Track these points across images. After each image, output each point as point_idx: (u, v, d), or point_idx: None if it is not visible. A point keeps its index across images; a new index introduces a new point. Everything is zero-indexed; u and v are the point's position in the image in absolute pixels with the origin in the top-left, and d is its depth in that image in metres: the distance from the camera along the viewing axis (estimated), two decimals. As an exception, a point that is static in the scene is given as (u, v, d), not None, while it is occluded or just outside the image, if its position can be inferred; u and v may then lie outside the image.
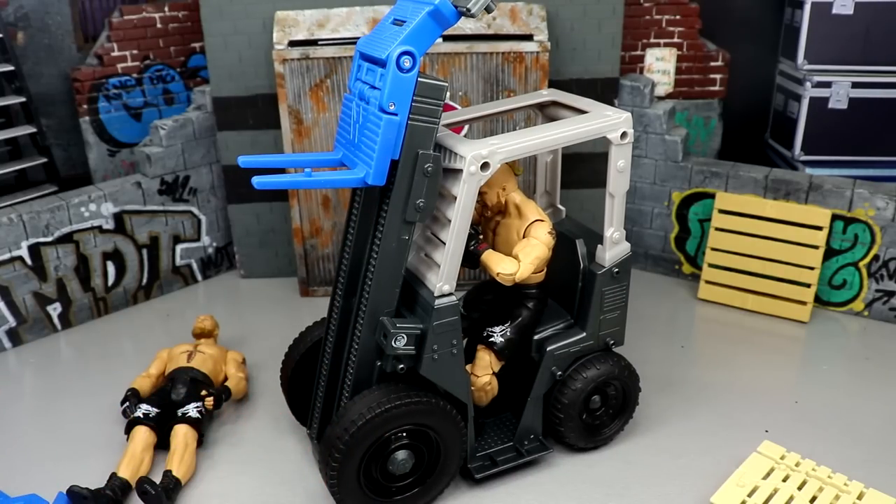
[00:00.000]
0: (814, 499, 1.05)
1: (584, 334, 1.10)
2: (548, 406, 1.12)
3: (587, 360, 1.11)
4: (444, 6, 0.90)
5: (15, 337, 1.48)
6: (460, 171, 0.95)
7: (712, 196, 1.59)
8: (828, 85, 1.77)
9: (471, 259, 1.03)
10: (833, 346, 1.47)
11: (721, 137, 1.87)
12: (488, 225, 1.09)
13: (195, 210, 1.70)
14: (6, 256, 1.43)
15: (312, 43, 1.50)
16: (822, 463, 1.10)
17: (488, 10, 0.92)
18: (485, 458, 1.10)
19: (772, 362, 1.40)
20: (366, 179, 0.93)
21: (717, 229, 1.58)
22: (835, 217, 1.50)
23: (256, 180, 0.92)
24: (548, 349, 1.09)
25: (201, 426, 1.19)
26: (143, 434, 1.14)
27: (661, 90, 1.83)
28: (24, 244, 1.45)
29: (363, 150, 0.95)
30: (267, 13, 1.52)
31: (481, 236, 1.05)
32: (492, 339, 1.07)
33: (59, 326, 1.53)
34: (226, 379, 1.30)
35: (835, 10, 1.73)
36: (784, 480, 1.07)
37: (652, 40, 1.80)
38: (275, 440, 1.21)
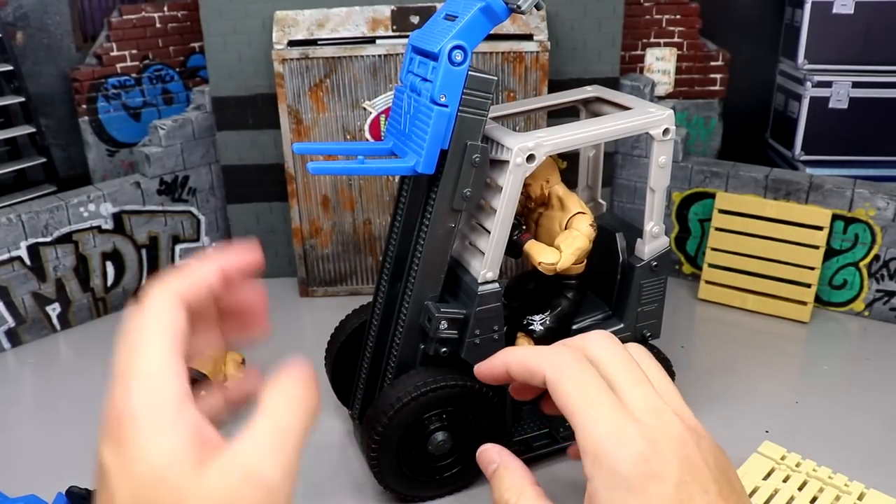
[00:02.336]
0: (814, 499, 1.04)
1: (622, 325, 1.13)
2: None
3: None
4: (495, 3, 0.94)
5: (14, 337, 1.48)
6: (507, 162, 0.98)
7: (712, 196, 1.59)
8: (828, 85, 1.76)
9: (513, 248, 1.06)
10: (833, 346, 1.46)
11: (721, 137, 1.87)
12: (531, 216, 1.12)
13: (194, 210, 1.70)
14: (5, 257, 1.43)
15: (312, 43, 1.50)
16: (822, 463, 1.09)
17: (538, 7, 0.94)
18: (521, 444, 1.13)
19: (772, 363, 1.40)
20: (416, 168, 0.96)
21: (717, 229, 1.58)
22: (835, 217, 1.50)
23: (311, 166, 0.96)
24: None
25: (201, 427, 1.18)
26: (142, 435, 1.14)
27: (661, 90, 1.83)
28: (23, 244, 1.45)
29: (414, 140, 0.98)
30: (266, 13, 1.51)
31: (524, 227, 1.08)
32: (532, 327, 1.10)
33: (58, 327, 1.53)
34: (225, 379, 1.29)
35: (835, 10, 1.73)
36: (784, 481, 1.07)
37: (652, 40, 1.80)
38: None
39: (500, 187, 0.99)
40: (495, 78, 0.95)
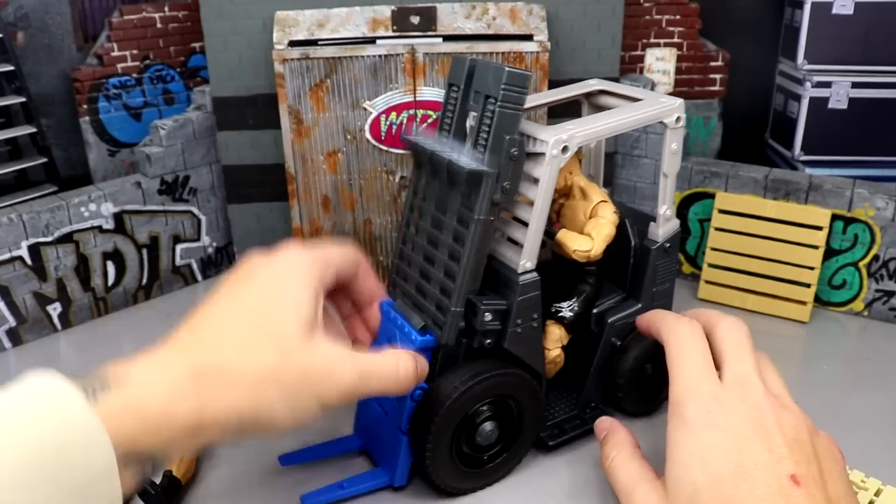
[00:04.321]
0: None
1: (640, 305, 1.17)
2: (607, 376, 1.19)
3: (637, 332, 1.18)
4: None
5: (15, 337, 1.48)
6: (541, 154, 1.01)
7: (712, 196, 1.59)
8: (828, 85, 1.77)
9: (548, 238, 1.10)
10: (833, 346, 1.47)
11: (721, 137, 1.87)
12: (552, 207, 1.14)
13: (195, 210, 1.70)
14: (6, 256, 1.43)
15: (312, 43, 1.50)
16: (822, 463, 1.10)
17: None
18: (553, 427, 1.17)
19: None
20: (392, 482, 1.08)
21: (716, 229, 1.58)
22: (835, 217, 1.50)
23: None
24: (608, 321, 1.16)
25: (201, 426, 1.18)
26: (143, 434, 1.14)
27: (661, 90, 1.83)
28: (24, 244, 1.45)
29: (385, 451, 1.10)
30: (267, 13, 1.52)
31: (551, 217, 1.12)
32: (561, 314, 1.14)
33: (59, 326, 1.53)
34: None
35: (835, 10, 1.73)
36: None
37: (652, 40, 1.80)
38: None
39: (536, 179, 1.02)
40: (531, 74, 0.98)
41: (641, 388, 1.20)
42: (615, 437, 1.04)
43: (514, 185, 1.01)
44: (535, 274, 1.05)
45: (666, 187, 1.15)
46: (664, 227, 1.16)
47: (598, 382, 1.20)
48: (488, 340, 1.05)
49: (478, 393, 1.03)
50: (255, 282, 0.91)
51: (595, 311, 1.17)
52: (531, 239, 1.04)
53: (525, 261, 1.04)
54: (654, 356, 1.17)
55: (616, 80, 1.62)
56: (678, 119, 1.11)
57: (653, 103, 1.12)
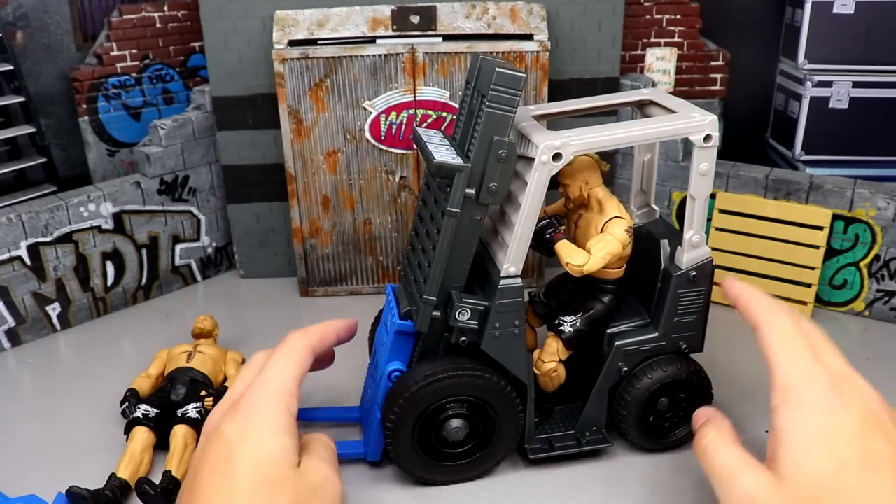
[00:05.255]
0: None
1: (656, 334, 1.11)
2: (612, 401, 1.13)
3: (657, 360, 1.11)
4: (401, 325, 1.07)
5: (14, 337, 1.48)
6: (535, 159, 0.99)
7: (713, 196, 1.59)
8: (828, 84, 1.77)
9: (547, 247, 1.07)
10: (834, 346, 1.46)
11: (721, 137, 1.86)
12: (572, 217, 1.13)
13: (195, 210, 1.70)
14: (5, 256, 1.43)
15: (312, 42, 1.50)
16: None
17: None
18: (544, 442, 1.13)
19: (772, 362, 1.40)
20: (366, 456, 1.13)
21: (717, 229, 1.58)
22: (835, 217, 1.50)
23: None
24: (616, 344, 1.10)
25: (201, 427, 1.18)
26: (142, 434, 1.14)
27: (660, 89, 1.83)
28: (24, 244, 1.45)
29: (369, 424, 1.13)
30: (266, 12, 1.51)
31: (562, 227, 1.09)
32: (561, 328, 1.11)
33: (58, 326, 1.53)
34: (225, 379, 1.29)
35: (835, 10, 1.73)
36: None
37: (652, 40, 1.80)
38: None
39: (527, 183, 1.00)
40: (524, 75, 0.96)
41: (651, 421, 1.14)
42: (717, 421, 0.99)
43: (503, 186, 0.99)
44: (517, 280, 1.02)
45: (694, 211, 1.07)
46: (690, 253, 1.09)
47: (601, 406, 1.14)
48: (463, 338, 1.04)
49: (443, 388, 1.03)
50: (253, 383, 0.95)
51: (609, 331, 1.12)
52: (516, 244, 1.02)
53: (509, 265, 1.02)
54: (673, 391, 1.12)
55: (616, 80, 1.62)
56: (708, 137, 1.03)
57: (679, 118, 1.04)
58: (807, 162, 1.81)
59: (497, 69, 0.95)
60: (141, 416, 1.16)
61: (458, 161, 0.98)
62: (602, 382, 1.12)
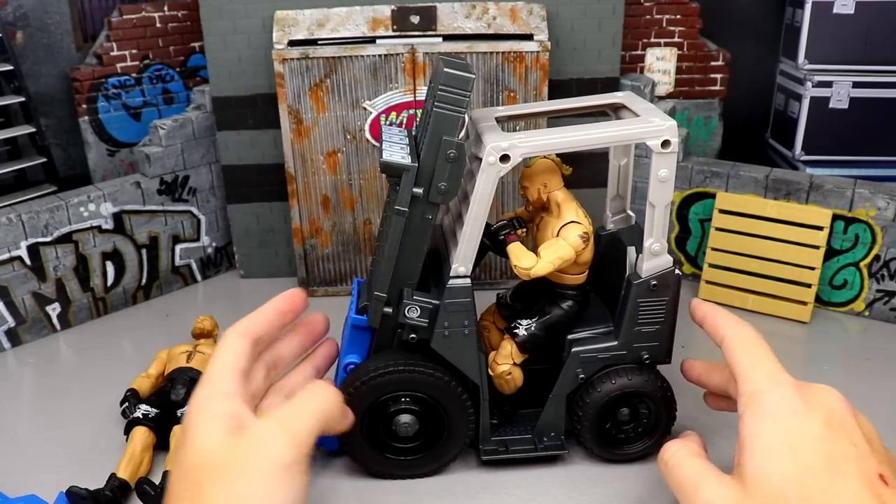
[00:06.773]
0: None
1: (616, 343, 1.09)
2: (570, 407, 1.11)
3: (617, 369, 1.09)
4: (356, 320, 1.08)
5: (14, 337, 1.48)
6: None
7: (713, 196, 1.59)
8: (828, 85, 1.77)
9: (501, 248, 1.07)
10: (834, 346, 1.46)
11: (721, 137, 1.87)
12: (534, 220, 1.12)
13: (194, 210, 1.70)
14: (5, 256, 1.43)
15: (312, 42, 1.50)
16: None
17: None
18: (499, 444, 1.12)
19: (772, 362, 1.40)
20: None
21: (717, 229, 1.58)
22: (835, 217, 1.50)
23: None
24: (573, 350, 1.09)
25: (201, 427, 1.18)
26: (142, 434, 1.14)
27: (661, 90, 1.83)
28: (24, 244, 1.44)
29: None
30: (267, 13, 1.51)
31: (522, 230, 1.09)
32: (515, 331, 1.10)
33: (58, 326, 1.53)
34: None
35: (836, 10, 1.73)
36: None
37: (652, 40, 1.80)
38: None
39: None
40: (473, 76, 0.95)
41: (608, 431, 1.12)
42: (684, 435, 1.01)
43: (453, 186, 0.99)
44: (466, 280, 1.02)
45: (654, 219, 1.04)
46: (650, 262, 1.06)
47: (559, 412, 1.12)
48: (412, 335, 1.05)
49: (391, 382, 1.04)
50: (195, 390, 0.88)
51: (570, 337, 1.10)
52: (464, 244, 1.01)
53: (458, 265, 1.02)
54: (634, 403, 1.10)
55: (616, 80, 1.61)
56: (666, 143, 1.00)
57: (637, 123, 1.02)
58: (807, 162, 1.81)
59: (445, 70, 0.94)
60: (141, 416, 1.16)
61: (406, 161, 0.98)
62: (559, 388, 1.10)
